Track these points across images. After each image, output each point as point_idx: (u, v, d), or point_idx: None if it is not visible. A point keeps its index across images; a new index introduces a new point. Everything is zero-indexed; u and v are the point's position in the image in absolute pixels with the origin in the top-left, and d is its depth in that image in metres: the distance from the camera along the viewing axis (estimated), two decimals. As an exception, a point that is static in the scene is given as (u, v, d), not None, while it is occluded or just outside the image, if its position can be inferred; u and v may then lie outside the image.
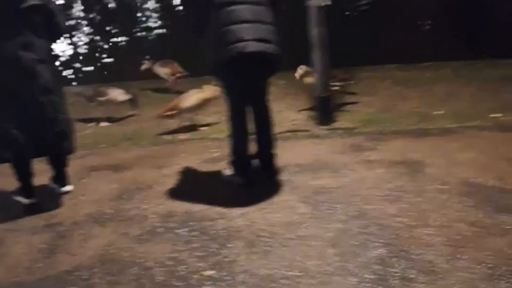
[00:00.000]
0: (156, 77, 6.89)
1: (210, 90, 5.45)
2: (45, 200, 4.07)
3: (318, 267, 2.98)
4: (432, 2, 9.74)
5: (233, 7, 3.76)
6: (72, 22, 12.23)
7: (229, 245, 3.28)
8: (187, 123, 5.60)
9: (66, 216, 3.85)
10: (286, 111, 5.86)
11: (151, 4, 16.19)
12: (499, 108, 5.52)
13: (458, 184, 3.82)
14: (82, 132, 5.00)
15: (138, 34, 12.34)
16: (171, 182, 4.25)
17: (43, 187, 4.22)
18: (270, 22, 3.85)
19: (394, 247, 3.11)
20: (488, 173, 3.92)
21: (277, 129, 4.33)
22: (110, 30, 12.62)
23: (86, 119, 5.80)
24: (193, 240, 3.37)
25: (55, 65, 4.00)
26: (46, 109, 3.84)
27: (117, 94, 5.85)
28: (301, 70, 5.61)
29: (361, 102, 6.08)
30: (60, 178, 4.22)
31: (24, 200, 4.05)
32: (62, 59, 9.68)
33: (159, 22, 13.55)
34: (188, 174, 4.39)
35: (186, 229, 3.51)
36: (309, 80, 5.71)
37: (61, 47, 10.10)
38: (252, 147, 4.13)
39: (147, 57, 7.89)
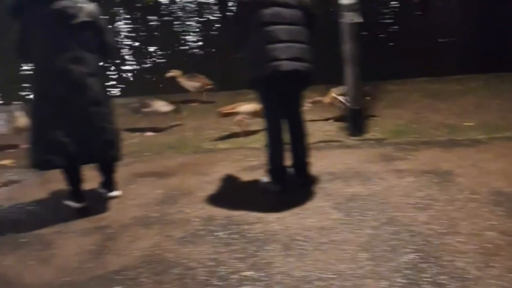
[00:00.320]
0: (184, 90, 6.95)
1: None
2: (94, 204, 4.14)
3: (350, 270, 2.98)
4: (459, 16, 9.64)
5: (271, 28, 3.84)
6: (117, 39, 12.51)
7: (266, 248, 3.30)
8: (245, 129, 5.66)
9: (114, 219, 3.91)
10: (319, 123, 5.86)
11: (191, 21, 16.46)
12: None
13: (488, 194, 3.76)
14: (129, 141, 5.09)
15: (178, 48, 12.53)
16: (211, 188, 4.30)
17: (92, 192, 4.29)
18: (304, 41, 3.93)
19: (425, 253, 3.09)
20: (518, 183, 3.85)
21: (310, 139, 4.35)
22: (152, 46, 12.86)
23: (132, 129, 5.90)
24: (232, 243, 3.40)
25: (103, 78, 4.07)
26: (95, 119, 3.91)
27: (161, 105, 5.94)
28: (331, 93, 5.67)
29: (391, 114, 6.03)
30: (109, 183, 4.28)
31: (74, 204, 4.11)
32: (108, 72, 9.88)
33: (198, 37, 13.75)
34: (228, 181, 4.43)
35: (226, 232, 3.54)
36: (327, 98, 5.76)
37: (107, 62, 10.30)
38: (288, 156, 4.16)
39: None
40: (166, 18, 17.02)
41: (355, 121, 5.42)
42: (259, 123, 5.44)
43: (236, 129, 5.74)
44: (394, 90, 7.01)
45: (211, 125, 6.10)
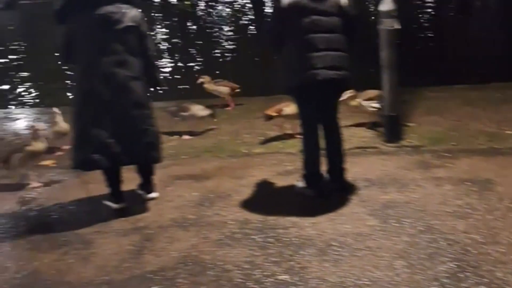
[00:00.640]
0: (211, 95, 7.00)
1: None
2: (133, 205, 4.20)
3: (387, 277, 2.95)
4: (499, 20, 9.45)
5: (308, 36, 3.85)
6: (157, 45, 12.72)
7: (301, 252, 3.30)
8: (289, 131, 5.68)
9: (152, 220, 3.96)
10: (355, 128, 5.82)
11: (226, 27, 16.60)
12: None
13: (529, 203, 3.67)
14: (167, 144, 5.15)
15: (215, 55, 12.65)
16: (247, 191, 4.32)
17: (131, 193, 4.36)
18: (341, 49, 3.92)
19: (464, 262, 3.04)
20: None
21: (346, 145, 4.33)
22: (189, 52, 13.02)
23: (170, 132, 5.98)
24: (268, 246, 3.41)
25: (145, 82, 4.15)
26: (138, 122, 3.99)
27: (198, 109, 6.01)
28: (349, 94, 5.59)
29: (429, 121, 5.94)
30: (147, 185, 4.34)
31: (114, 205, 4.19)
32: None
33: (232, 43, 13.85)
34: (263, 185, 4.44)
35: (262, 236, 3.56)
36: (353, 103, 5.72)
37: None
38: (323, 162, 4.15)
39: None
40: (202, 23, 17.24)
41: (391, 127, 5.36)
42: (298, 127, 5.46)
43: (277, 131, 5.75)
44: (432, 97, 6.90)
45: (247, 129, 6.13)
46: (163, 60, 12.01)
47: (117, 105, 3.92)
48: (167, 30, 16.81)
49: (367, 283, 2.92)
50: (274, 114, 5.58)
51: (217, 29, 16.21)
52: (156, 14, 18.50)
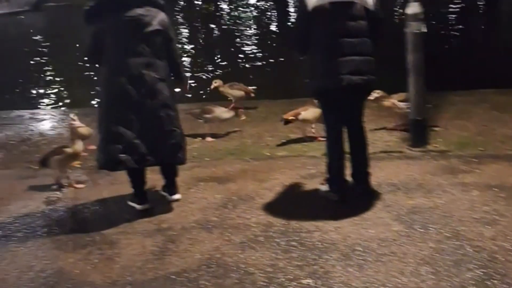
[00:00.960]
0: (225, 98, 7.01)
1: None
2: (157, 206, 4.24)
3: (413, 284, 2.93)
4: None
5: (334, 40, 3.85)
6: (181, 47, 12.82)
7: (325, 256, 3.30)
8: (310, 134, 5.68)
9: (175, 221, 3.99)
10: (380, 132, 5.78)
11: (249, 28, 16.65)
12: None
13: (559, 211, 3.61)
14: (190, 146, 5.18)
15: (238, 57, 12.69)
16: (270, 195, 4.32)
17: (155, 194, 4.41)
18: (367, 53, 3.91)
19: (491, 269, 3.00)
20: None
21: (370, 149, 4.31)
22: (212, 54, 13.10)
23: (193, 134, 6.02)
24: (291, 250, 3.41)
25: (172, 84, 4.20)
26: (164, 123, 4.03)
27: (222, 112, 6.03)
28: (377, 94, 5.53)
29: (455, 125, 5.87)
30: (171, 186, 4.37)
31: (138, 206, 4.24)
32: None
33: (256, 45, 13.89)
34: (286, 188, 4.44)
35: (285, 239, 3.56)
36: (386, 103, 5.66)
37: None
38: (347, 166, 4.14)
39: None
40: (224, 26, 17.33)
41: (417, 131, 5.31)
42: (320, 130, 5.45)
43: (299, 134, 5.75)
44: (458, 101, 6.82)
45: (270, 132, 6.14)
46: (186, 62, 12.09)
47: (144, 106, 3.97)
48: (190, 33, 16.94)
49: (392, 289, 2.90)
50: (291, 118, 5.58)
51: (240, 31, 16.27)
52: (179, 16, 18.65)
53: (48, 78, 12.43)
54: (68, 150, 4.81)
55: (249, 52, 13.16)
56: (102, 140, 4.04)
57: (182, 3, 22.28)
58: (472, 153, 4.99)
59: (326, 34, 3.86)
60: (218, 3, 21.99)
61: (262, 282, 3.08)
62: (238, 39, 14.83)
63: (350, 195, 4.11)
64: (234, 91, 6.94)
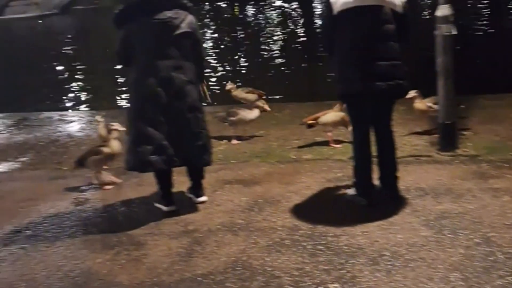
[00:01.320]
0: (238, 101, 7.01)
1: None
2: (183, 208, 4.27)
3: (442, 290, 2.90)
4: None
5: (359, 45, 3.82)
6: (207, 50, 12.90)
7: (352, 261, 3.28)
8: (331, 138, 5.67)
9: (201, 223, 4.02)
10: (408, 136, 5.72)
11: (274, 31, 16.68)
12: None
13: None
14: (216, 149, 5.21)
15: (263, 59, 12.72)
16: (296, 198, 4.31)
17: (181, 196, 4.44)
18: (395, 57, 3.86)
19: (523, 277, 2.94)
20: None
21: (398, 153, 4.27)
22: (237, 57, 13.15)
23: (219, 137, 6.05)
24: (318, 254, 3.40)
25: (199, 86, 4.25)
26: (192, 125, 4.08)
27: (246, 113, 6.05)
28: (411, 94, 5.45)
29: (485, 129, 5.78)
30: (197, 189, 4.40)
31: (164, 207, 4.28)
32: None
33: (282, 50, 13.90)
34: (313, 192, 4.42)
35: (311, 243, 3.55)
36: (419, 105, 5.59)
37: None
38: (375, 170, 4.11)
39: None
40: (250, 30, 17.39)
41: (446, 135, 5.24)
42: (343, 134, 5.43)
43: (325, 137, 5.74)
44: (489, 105, 6.70)
45: (295, 135, 6.13)
46: (212, 64, 12.16)
47: (173, 108, 4.02)
48: (216, 35, 17.04)
49: (420, 295, 2.87)
50: (312, 122, 5.57)
51: (265, 34, 16.31)
52: (206, 19, 18.77)
53: (77, 80, 12.65)
54: (106, 149, 4.86)
55: (276, 54, 13.18)
56: (132, 141, 4.09)
57: (207, 6, 22.44)
58: (503, 158, 4.90)
59: (352, 38, 3.84)
60: (244, 6, 22.08)
61: (288, 286, 3.08)
62: (263, 41, 14.87)
63: (377, 199, 4.08)
64: (248, 95, 6.94)
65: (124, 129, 5.05)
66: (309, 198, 4.32)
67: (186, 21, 4.06)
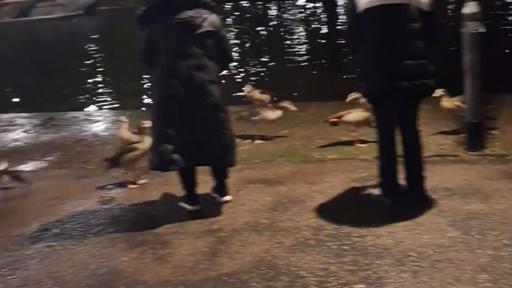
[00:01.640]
0: (251, 103, 6.99)
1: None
2: (207, 208, 4.30)
3: (470, 291, 2.86)
4: None
5: (383, 44, 3.80)
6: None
7: (377, 262, 3.26)
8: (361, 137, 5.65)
9: (226, 223, 4.03)
10: (434, 136, 5.66)
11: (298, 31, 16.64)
12: None
13: None
14: (239, 148, 5.22)
15: (286, 59, 12.70)
16: (321, 198, 4.30)
17: (205, 196, 4.46)
18: (420, 56, 3.82)
19: (554, 279, 2.89)
20: None
21: (425, 153, 4.22)
22: (260, 57, 13.16)
23: (242, 136, 6.07)
24: (343, 254, 3.39)
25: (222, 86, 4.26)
26: (215, 124, 4.09)
27: (268, 113, 6.05)
28: (438, 93, 5.37)
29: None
30: (221, 188, 4.41)
31: (189, 207, 4.31)
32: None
33: (306, 49, 13.87)
34: (337, 191, 4.40)
35: (336, 243, 3.54)
36: (446, 104, 5.52)
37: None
38: (401, 169, 4.07)
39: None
40: (273, 28, 17.38)
41: (473, 135, 5.17)
42: (368, 133, 5.39)
43: (350, 137, 5.71)
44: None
45: (319, 134, 6.11)
46: (234, 64, 12.20)
47: (196, 108, 4.04)
48: (239, 35, 17.08)
49: (448, 296, 2.84)
50: (334, 120, 5.54)
51: (288, 33, 16.29)
52: (229, 19, 18.82)
53: (101, 80, 12.81)
54: (141, 146, 4.84)
55: (299, 53, 13.15)
56: (155, 141, 4.13)
57: (230, 6, 22.49)
58: (533, 157, 4.82)
59: (376, 37, 3.81)
60: (267, 5, 22.08)
61: (313, 286, 3.08)
62: (287, 41, 14.85)
63: (403, 199, 4.04)
64: (263, 96, 6.93)
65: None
66: (334, 198, 4.31)
67: (209, 20, 4.06)
